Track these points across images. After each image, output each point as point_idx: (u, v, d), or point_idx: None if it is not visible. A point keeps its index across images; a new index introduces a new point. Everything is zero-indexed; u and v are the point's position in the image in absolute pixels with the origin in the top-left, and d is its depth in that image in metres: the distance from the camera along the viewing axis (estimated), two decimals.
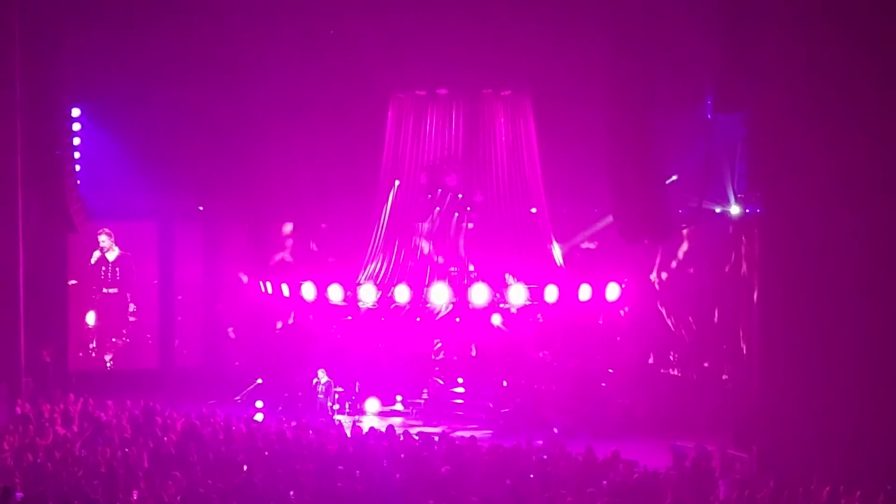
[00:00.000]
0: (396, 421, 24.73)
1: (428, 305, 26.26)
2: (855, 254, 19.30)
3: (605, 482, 16.02)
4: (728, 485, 16.58)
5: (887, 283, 19.14)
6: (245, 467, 16.71)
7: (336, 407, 25.98)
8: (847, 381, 19.24)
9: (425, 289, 26.10)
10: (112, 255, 29.83)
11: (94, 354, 29.80)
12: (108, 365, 29.77)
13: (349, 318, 26.90)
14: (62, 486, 15.15)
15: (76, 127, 26.58)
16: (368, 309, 26.54)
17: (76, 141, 26.53)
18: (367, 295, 26.01)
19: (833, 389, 19.36)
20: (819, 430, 19.15)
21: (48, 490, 14.75)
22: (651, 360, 27.52)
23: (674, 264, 28.27)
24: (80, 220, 26.99)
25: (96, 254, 29.71)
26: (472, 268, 27.35)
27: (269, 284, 27.58)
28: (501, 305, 26.20)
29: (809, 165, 19.79)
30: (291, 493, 15.07)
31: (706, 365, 26.92)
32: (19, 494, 14.58)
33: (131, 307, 30.03)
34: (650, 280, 27.89)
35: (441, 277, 26.68)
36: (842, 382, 19.31)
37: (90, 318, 29.76)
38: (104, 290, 29.82)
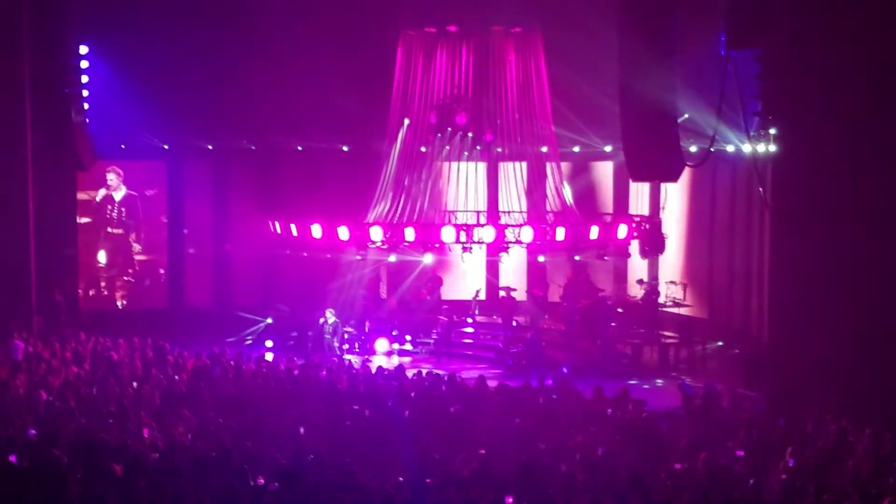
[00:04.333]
0: (406, 361, 24.81)
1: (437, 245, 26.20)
2: (866, 192, 19.14)
3: (613, 420, 16.08)
4: (738, 424, 16.59)
5: None
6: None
7: (346, 347, 26.07)
8: (857, 321, 19.20)
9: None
10: (118, 195, 29.74)
11: (105, 293, 29.87)
12: (120, 304, 29.83)
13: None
14: (73, 424, 15.23)
15: (84, 64, 26.37)
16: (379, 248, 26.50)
17: (84, 78, 26.34)
18: (376, 236, 25.91)
19: (842, 328, 19.33)
20: (828, 369, 19.15)
21: (60, 428, 14.84)
22: (660, 300, 27.48)
23: (684, 203, 28.16)
24: (89, 158, 26.87)
25: (102, 192, 29.64)
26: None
27: (277, 224, 27.50)
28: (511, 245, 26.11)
29: (823, 103, 19.59)
30: (302, 430, 15.14)
31: (717, 305, 26.93)
32: (32, 432, 14.67)
33: (136, 248, 30.03)
34: (659, 219, 27.76)
35: (450, 219, 26.57)
36: (851, 322, 19.27)
37: (101, 256, 29.78)
38: (109, 230, 29.81)
